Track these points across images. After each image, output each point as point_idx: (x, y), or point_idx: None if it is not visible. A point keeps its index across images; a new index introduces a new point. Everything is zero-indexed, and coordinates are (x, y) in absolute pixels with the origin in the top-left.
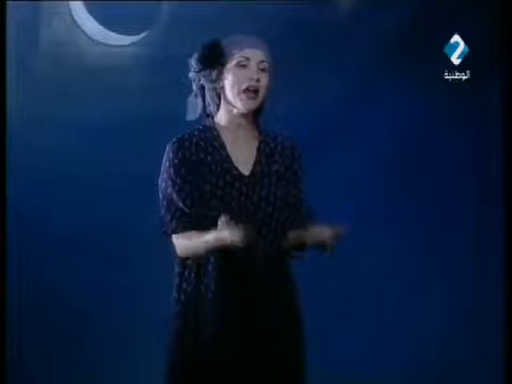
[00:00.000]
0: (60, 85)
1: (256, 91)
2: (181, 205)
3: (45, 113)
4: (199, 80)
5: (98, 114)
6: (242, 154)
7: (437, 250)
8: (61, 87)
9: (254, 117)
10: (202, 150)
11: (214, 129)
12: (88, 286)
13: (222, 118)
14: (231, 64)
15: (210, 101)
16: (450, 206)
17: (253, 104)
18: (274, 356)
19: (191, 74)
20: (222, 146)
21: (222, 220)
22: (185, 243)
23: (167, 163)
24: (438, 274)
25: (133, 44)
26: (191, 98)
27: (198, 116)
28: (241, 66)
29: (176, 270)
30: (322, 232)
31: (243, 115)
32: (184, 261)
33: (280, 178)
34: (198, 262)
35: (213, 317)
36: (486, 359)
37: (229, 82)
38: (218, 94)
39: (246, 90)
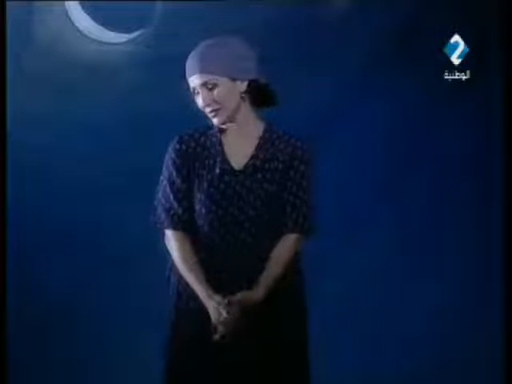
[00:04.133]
0: (55, 83)
1: (214, 111)
2: (171, 198)
3: (40, 111)
4: None
5: (93, 112)
6: (239, 150)
7: (436, 250)
8: (56, 85)
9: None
10: (200, 144)
11: (216, 125)
12: (87, 285)
13: None
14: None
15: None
16: (450, 206)
17: (220, 119)
18: (272, 352)
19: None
20: (219, 141)
21: (221, 303)
22: (177, 255)
23: (167, 156)
24: (438, 274)
25: (128, 42)
26: None
27: None
28: (194, 93)
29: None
30: None
31: (227, 122)
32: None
33: (276, 175)
34: None
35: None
36: (485, 359)
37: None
38: None
39: (208, 113)
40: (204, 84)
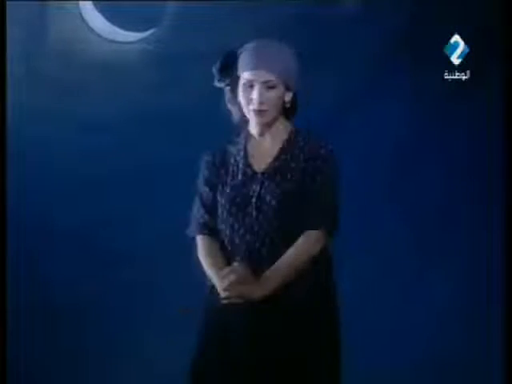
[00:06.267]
0: (69, 82)
1: (262, 111)
2: (201, 207)
3: (54, 110)
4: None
5: (105, 111)
6: (263, 153)
7: (436, 250)
8: (69, 84)
9: (287, 117)
10: (229, 152)
11: (245, 130)
12: (89, 282)
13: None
14: (240, 83)
15: (229, 103)
16: (450, 205)
17: (262, 120)
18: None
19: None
20: (244, 146)
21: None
22: (202, 257)
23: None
24: (438, 274)
25: (140, 41)
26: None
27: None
28: (248, 87)
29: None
30: None
31: (269, 120)
32: None
33: (297, 174)
34: None
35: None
36: (485, 357)
37: (240, 99)
38: (238, 104)
39: (254, 110)
40: (265, 82)
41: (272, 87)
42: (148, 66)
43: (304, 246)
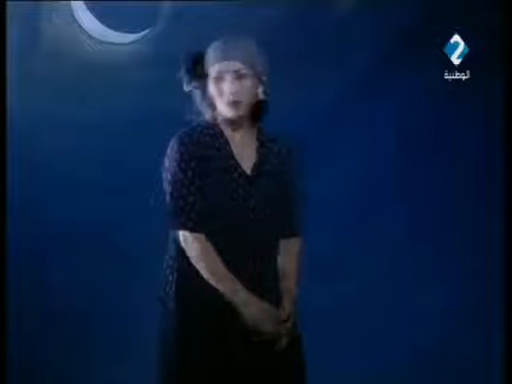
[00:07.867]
0: (61, 83)
1: (236, 102)
2: (191, 199)
3: (45, 111)
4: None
5: (98, 112)
6: (243, 153)
7: (437, 250)
8: (61, 85)
9: (254, 118)
10: (208, 145)
11: (216, 126)
12: (88, 284)
13: (219, 117)
14: (211, 77)
15: (201, 106)
16: (450, 205)
17: (237, 112)
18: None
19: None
20: (227, 143)
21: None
22: (200, 258)
23: (177, 155)
24: (439, 275)
25: (133, 42)
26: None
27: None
28: (218, 79)
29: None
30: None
31: (239, 118)
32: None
33: (272, 178)
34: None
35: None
36: (485, 358)
37: (212, 93)
38: (210, 101)
39: (227, 103)
40: (236, 71)
41: (243, 76)
42: (141, 68)
43: (300, 262)
